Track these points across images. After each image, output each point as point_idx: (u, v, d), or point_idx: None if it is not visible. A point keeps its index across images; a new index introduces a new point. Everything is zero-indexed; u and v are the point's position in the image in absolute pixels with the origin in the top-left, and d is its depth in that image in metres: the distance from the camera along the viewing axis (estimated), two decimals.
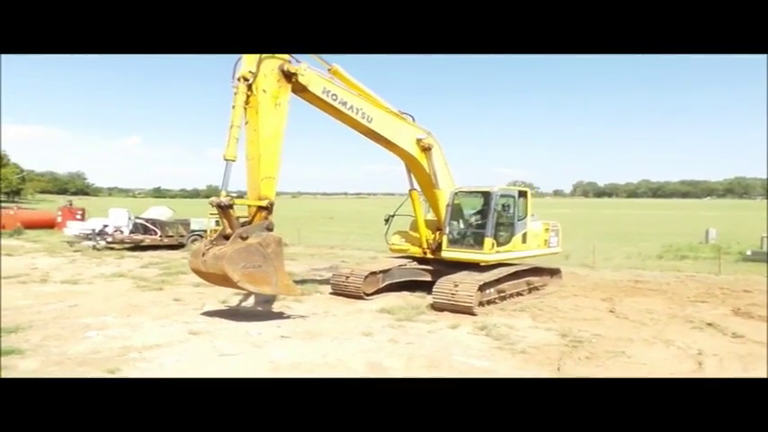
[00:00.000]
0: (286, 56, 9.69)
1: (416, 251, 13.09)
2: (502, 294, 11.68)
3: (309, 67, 10.14)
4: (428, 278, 12.35)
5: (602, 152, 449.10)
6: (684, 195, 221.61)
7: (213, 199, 9.04)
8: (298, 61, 9.97)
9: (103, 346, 7.62)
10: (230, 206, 8.92)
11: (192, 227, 23.95)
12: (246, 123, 9.39)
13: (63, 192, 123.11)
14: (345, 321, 9.73)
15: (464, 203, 12.95)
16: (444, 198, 12.60)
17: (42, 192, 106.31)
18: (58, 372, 6.36)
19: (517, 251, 12.49)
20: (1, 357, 6.68)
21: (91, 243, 21.51)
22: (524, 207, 12.74)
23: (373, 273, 12.06)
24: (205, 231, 23.50)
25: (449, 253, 12.19)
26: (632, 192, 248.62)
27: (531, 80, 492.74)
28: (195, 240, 23.16)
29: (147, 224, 23.10)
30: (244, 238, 8.86)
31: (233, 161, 8.83)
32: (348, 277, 11.95)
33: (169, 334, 8.42)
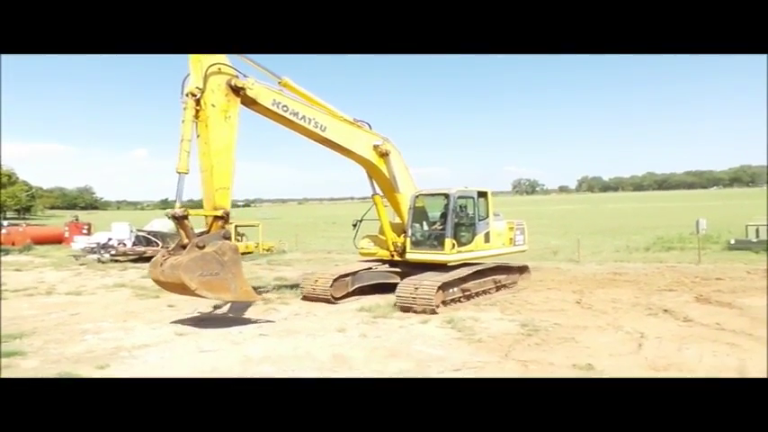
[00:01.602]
0: (233, 71, 10.08)
1: (384, 254, 13.42)
2: (467, 293, 12.01)
3: (257, 81, 10.49)
4: (397, 280, 12.47)
5: (606, 147, 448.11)
6: (690, 186, 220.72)
7: (168, 211, 9.52)
8: (245, 75, 10.32)
9: (98, 347, 8.46)
10: (185, 217, 9.29)
11: None
12: (198, 137, 9.79)
13: (72, 207, 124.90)
14: (324, 320, 10.48)
15: (425, 206, 13.37)
16: (406, 201, 13.04)
17: (52, 207, 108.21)
18: (56, 368, 7.18)
19: (480, 250, 12.84)
20: (1, 358, 7.42)
21: (96, 256, 22.44)
22: (485, 207, 13.13)
23: (341, 276, 12.38)
24: None
25: (412, 255, 12.63)
26: (638, 185, 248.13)
27: (533, 78, 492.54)
28: None
29: (149, 236, 24.02)
30: (200, 247, 9.18)
31: (185, 174, 9.27)
32: (316, 282, 12.29)
33: (158, 335, 9.23)
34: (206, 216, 9.89)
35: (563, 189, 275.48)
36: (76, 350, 8.28)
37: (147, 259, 22.50)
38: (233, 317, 10.99)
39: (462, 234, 12.47)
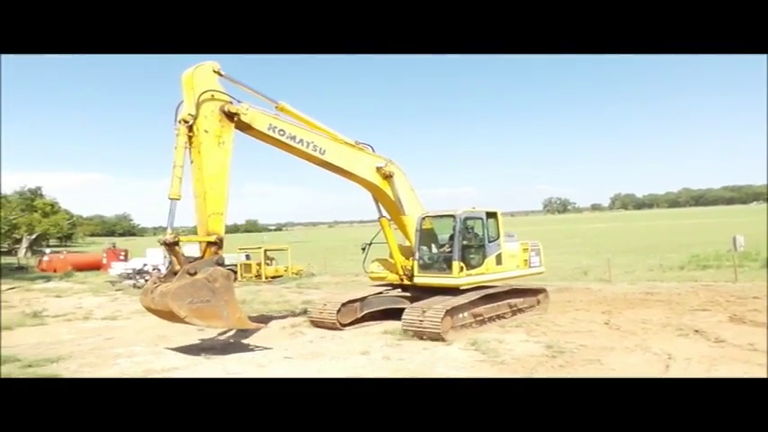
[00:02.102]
0: (227, 97, 10.11)
1: (394, 278, 12.97)
2: (479, 318, 11.58)
3: (252, 106, 10.45)
4: (407, 305, 11.89)
5: (639, 163, 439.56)
6: (729, 202, 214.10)
7: (159, 237, 9.42)
8: (239, 101, 10.31)
9: (129, 370, 8.79)
10: (176, 243, 9.11)
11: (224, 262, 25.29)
12: (192, 163, 9.80)
13: (111, 234, 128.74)
14: (349, 342, 10.59)
15: (434, 228, 12.99)
16: (413, 224, 12.66)
17: (92, 235, 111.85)
18: None
19: (491, 273, 12.26)
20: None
21: (131, 282, 23.16)
22: (495, 228, 12.64)
23: (349, 302, 12.10)
24: (235, 265, 24.91)
25: (420, 278, 12.21)
26: (673, 201, 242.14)
27: (563, 95, 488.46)
28: None
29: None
30: (192, 274, 8.98)
31: (177, 200, 9.21)
32: (323, 307, 12.07)
33: (188, 359, 9.51)
34: (200, 242, 9.81)
35: (595, 207, 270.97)
36: (109, 373, 8.61)
37: None
38: (260, 340, 11.18)
39: (471, 256, 12.00)
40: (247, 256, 26.10)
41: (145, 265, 24.46)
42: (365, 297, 12.56)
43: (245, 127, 10.43)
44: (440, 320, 10.21)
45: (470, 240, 12.15)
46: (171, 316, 8.99)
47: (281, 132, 10.87)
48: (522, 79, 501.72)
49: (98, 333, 12.45)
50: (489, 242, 12.37)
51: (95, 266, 33.35)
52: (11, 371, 8.61)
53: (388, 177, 12.50)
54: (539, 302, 13.68)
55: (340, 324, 11.78)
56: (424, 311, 10.52)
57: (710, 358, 8.43)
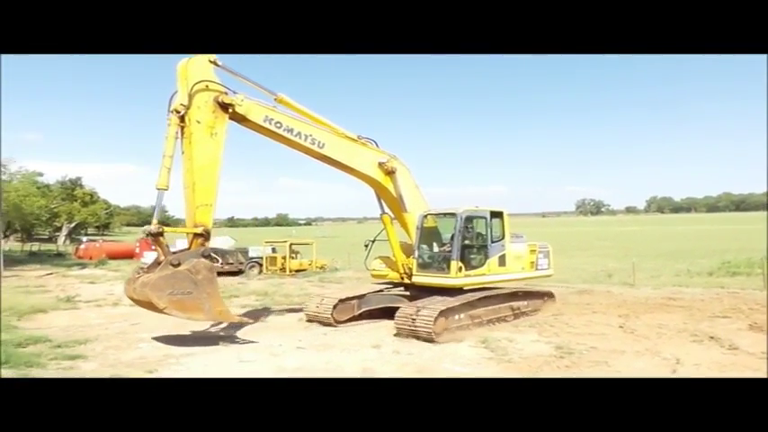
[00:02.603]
0: (221, 87, 9.98)
1: (395, 276, 12.75)
2: (477, 321, 11.30)
3: (248, 97, 10.29)
4: (405, 304, 11.65)
5: (677, 165, 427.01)
6: None
7: (145, 228, 9.40)
8: (235, 92, 10.19)
9: (150, 353, 9.26)
10: (160, 234, 9.11)
11: (251, 254, 26.00)
12: (183, 153, 9.73)
13: (147, 224, 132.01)
14: (362, 336, 10.85)
15: (438, 226, 12.77)
16: (414, 221, 12.39)
17: (128, 224, 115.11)
18: (110, 371, 7.95)
19: (493, 274, 12.01)
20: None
21: None
22: (500, 228, 12.34)
23: (346, 299, 12.04)
24: (261, 258, 25.56)
25: (418, 278, 11.98)
26: (712, 206, 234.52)
27: (598, 95, 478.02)
28: (253, 267, 25.25)
29: (210, 253, 25.34)
30: (175, 265, 8.96)
31: (165, 190, 9.23)
32: (319, 303, 12.02)
33: (205, 345, 9.93)
34: (187, 234, 9.85)
35: (630, 210, 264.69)
36: (131, 356, 9.09)
37: None
38: (276, 330, 11.55)
39: (472, 256, 11.71)
40: (273, 249, 26.70)
41: None
42: (364, 294, 12.46)
43: (240, 119, 10.35)
44: (432, 321, 9.99)
45: (472, 240, 11.89)
46: (151, 306, 8.97)
47: (278, 125, 10.70)
48: (558, 80, 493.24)
49: (125, 318, 13.03)
50: (492, 242, 12.08)
51: (129, 255, 34.54)
52: (42, 350, 9.19)
53: (390, 173, 12.27)
54: (544, 305, 13.48)
55: (336, 321, 11.70)
56: (416, 312, 10.33)
57: (720, 365, 8.37)
